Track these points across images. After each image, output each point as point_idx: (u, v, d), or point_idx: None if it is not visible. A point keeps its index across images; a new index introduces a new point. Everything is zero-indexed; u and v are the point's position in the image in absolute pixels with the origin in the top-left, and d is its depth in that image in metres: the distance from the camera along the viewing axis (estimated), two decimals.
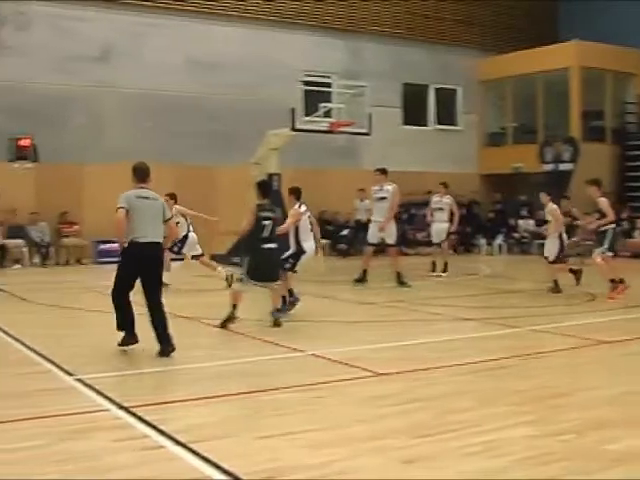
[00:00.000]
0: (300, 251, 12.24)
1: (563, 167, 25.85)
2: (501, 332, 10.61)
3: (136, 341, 8.92)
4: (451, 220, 18.42)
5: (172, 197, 15.08)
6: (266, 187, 11.68)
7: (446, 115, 29.25)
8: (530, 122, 28.63)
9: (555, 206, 15.15)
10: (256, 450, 5.42)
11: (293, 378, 7.68)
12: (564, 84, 26.93)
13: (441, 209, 18.49)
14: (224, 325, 10.60)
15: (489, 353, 8.94)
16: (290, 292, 12.07)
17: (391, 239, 16.23)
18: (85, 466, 5.07)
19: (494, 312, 12.67)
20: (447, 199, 18.58)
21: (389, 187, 16.28)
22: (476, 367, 8.24)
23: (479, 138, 29.78)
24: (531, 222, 25.04)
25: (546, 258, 15.21)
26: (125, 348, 8.91)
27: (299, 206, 12.32)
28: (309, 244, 12.35)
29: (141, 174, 9.30)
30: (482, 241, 26.75)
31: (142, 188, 9.18)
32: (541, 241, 24.16)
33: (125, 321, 8.97)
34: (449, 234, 18.47)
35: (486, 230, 27.20)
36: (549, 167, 26.27)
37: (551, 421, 6.14)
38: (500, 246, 26.16)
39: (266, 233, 10.91)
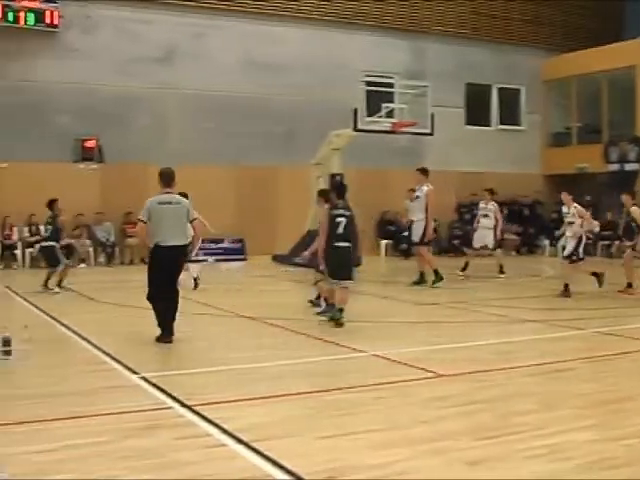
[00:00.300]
0: None
1: (629, 167, 25.41)
2: (565, 334, 10.47)
3: (171, 340, 9.44)
4: (495, 227, 18.26)
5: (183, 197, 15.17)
6: (341, 188, 11.82)
7: (509, 115, 28.92)
8: (595, 122, 28.12)
9: (581, 207, 14.93)
10: (317, 450, 5.44)
11: (355, 378, 7.69)
12: (630, 82, 26.42)
13: (486, 215, 18.36)
14: (340, 324, 10.70)
15: (552, 355, 8.84)
16: (326, 299, 11.74)
17: (416, 237, 16.25)
18: (148, 463, 5.14)
19: (557, 314, 12.51)
20: (492, 205, 18.43)
21: (425, 188, 16.31)
22: (539, 369, 8.16)
23: (542, 138, 29.40)
24: (595, 223, 24.58)
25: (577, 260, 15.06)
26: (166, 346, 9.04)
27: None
28: None
29: (166, 179, 10.07)
30: (545, 242, 26.40)
31: (167, 193, 9.89)
32: (606, 242, 23.96)
33: (162, 320, 9.58)
34: (496, 242, 18.24)
35: (550, 231, 26.81)
36: (614, 167, 25.84)
37: (615, 425, 6.05)
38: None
39: (340, 230, 10.99)
